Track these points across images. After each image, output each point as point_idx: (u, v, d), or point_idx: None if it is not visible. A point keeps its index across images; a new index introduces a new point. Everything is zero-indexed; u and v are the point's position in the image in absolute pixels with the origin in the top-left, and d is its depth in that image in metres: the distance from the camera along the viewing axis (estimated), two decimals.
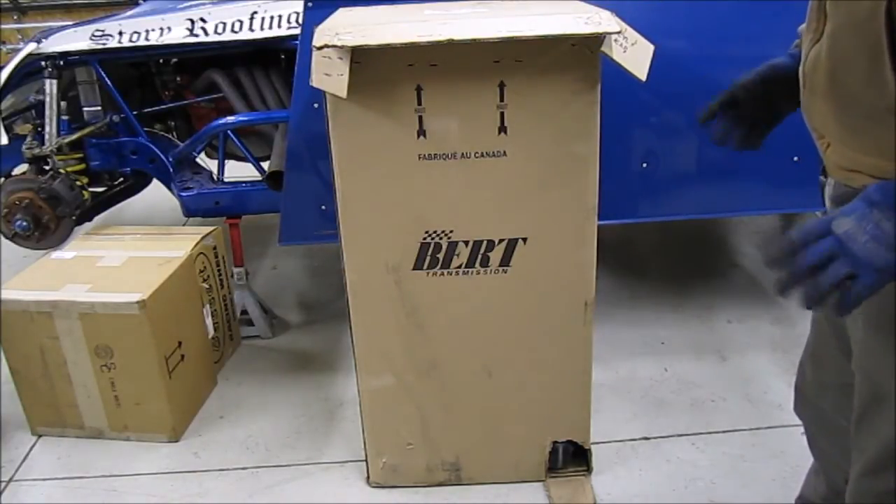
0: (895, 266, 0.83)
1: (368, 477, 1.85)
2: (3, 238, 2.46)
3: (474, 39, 1.33)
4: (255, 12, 2.31)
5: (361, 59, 1.40)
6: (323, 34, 1.35)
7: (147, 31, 2.34)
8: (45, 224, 2.38)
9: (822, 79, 0.99)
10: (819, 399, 1.27)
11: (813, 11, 1.01)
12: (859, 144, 0.97)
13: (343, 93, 1.35)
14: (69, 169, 2.43)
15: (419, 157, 1.50)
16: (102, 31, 2.36)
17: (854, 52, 0.92)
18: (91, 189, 2.53)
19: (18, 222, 2.36)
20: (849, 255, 0.83)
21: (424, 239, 1.57)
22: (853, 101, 0.95)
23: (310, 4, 1.95)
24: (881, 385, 1.03)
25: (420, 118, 1.47)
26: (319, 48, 1.33)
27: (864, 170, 0.97)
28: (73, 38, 2.38)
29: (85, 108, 2.48)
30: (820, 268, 0.84)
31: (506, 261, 1.59)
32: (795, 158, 2.07)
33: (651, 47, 1.43)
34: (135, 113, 2.51)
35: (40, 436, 2.10)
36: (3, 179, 2.47)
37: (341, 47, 1.33)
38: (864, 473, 1.10)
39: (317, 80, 1.36)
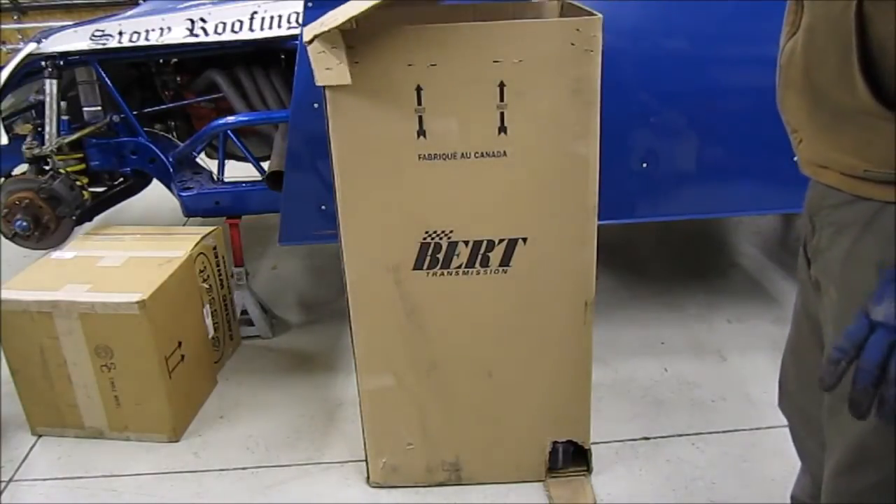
0: None
1: (368, 477, 1.85)
2: (3, 238, 2.46)
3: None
4: (255, 12, 2.31)
5: (360, 58, 1.40)
6: (311, 29, 1.35)
7: (147, 31, 2.34)
8: (45, 224, 2.38)
9: (797, 73, 0.98)
10: (801, 396, 1.26)
11: (791, 3, 1.00)
12: (830, 141, 0.96)
13: (347, 79, 1.36)
14: (69, 169, 2.43)
15: (419, 157, 1.50)
16: (102, 31, 2.37)
17: (827, 50, 0.90)
18: (91, 189, 2.53)
19: (18, 222, 2.36)
20: None
21: (424, 239, 1.57)
22: (824, 98, 0.94)
23: (310, 4, 1.95)
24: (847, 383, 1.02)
25: (420, 118, 1.47)
26: (310, 42, 1.33)
27: (834, 166, 0.96)
28: (73, 38, 2.38)
29: (85, 108, 2.48)
30: (884, 365, 0.80)
31: (506, 261, 1.59)
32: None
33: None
34: (135, 113, 2.51)
35: (40, 436, 2.10)
36: (3, 179, 2.47)
37: (329, 31, 1.32)
38: (837, 473, 1.09)
39: (320, 79, 1.37)
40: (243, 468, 1.95)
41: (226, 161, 2.47)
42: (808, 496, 1.35)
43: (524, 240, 1.58)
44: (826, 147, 0.97)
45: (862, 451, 1.03)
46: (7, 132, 2.55)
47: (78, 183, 2.42)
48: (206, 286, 2.25)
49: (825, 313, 1.06)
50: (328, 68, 1.37)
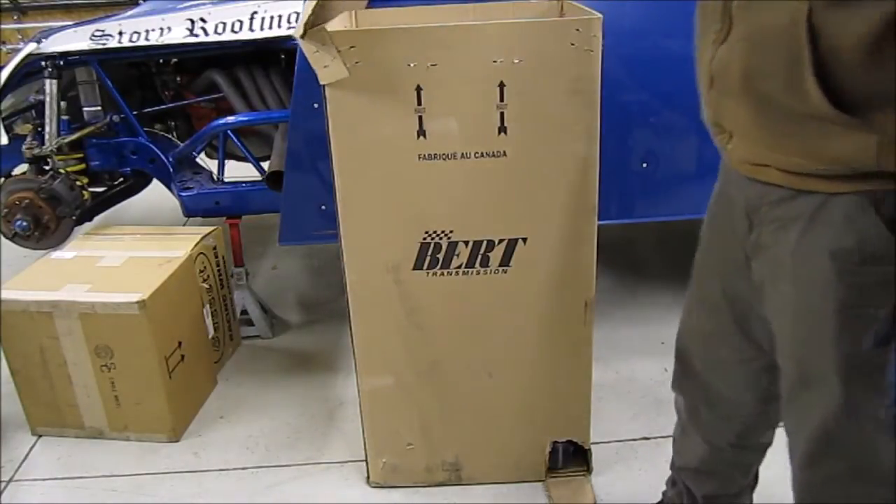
0: None
1: (368, 477, 1.85)
2: (3, 238, 2.46)
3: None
4: (255, 12, 2.31)
5: (360, 58, 1.40)
6: (300, 27, 1.35)
7: (147, 31, 2.34)
8: (45, 224, 2.38)
9: (734, 81, 0.99)
10: (710, 374, 1.32)
11: (715, 12, 1.01)
12: (775, 143, 0.98)
13: (344, 73, 1.38)
14: (69, 169, 2.43)
15: (419, 157, 1.50)
16: (102, 31, 2.36)
17: (773, 60, 0.92)
18: (91, 189, 2.53)
19: (18, 222, 2.36)
20: None
21: (424, 239, 1.57)
22: (771, 104, 0.95)
23: None
24: (809, 372, 1.06)
25: (420, 118, 1.47)
26: (302, 36, 1.34)
27: (776, 164, 0.99)
28: (73, 38, 2.38)
29: (85, 108, 2.48)
30: None
31: (506, 261, 1.59)
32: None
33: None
34: (135, 113, 2.51)
35: (40, 436, 2.10)
36: (3, 179, 2.47)
37: (315, 29, 1.33)
38: (804, 465, 1.13)
39: (322, 77, 1.38)
40: (243, 468, 1.95)
41: (226, 161, 2.47)
42: (698, 463, 1.44)
43: (524, 240, 1.58)
44: (769, 149, 0.99)
45: (827, 439, 1.07)
46: (7, 132, 2.55)
47: (78, 183, 2.42)
48: (206, 286, 2.25)
49: (775, 308, 1.10)
50: (326, 66, 1.38)
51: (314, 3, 1.31)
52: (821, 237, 0.97)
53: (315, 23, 1.34)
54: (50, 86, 2.35)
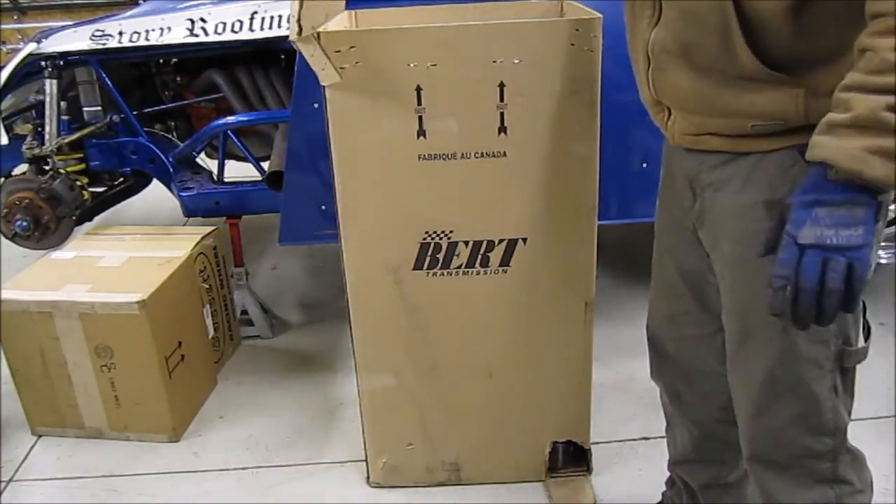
0: (871, 236, 0.88)
1: (368, 477, 1.85)
2: (3, 238, 2.46)
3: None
4: (255, 12, 2.31)
5: (360, 58, 1.40)
6: (294, 29, 1.36)
7: (147, 31, 2.34)
8: (45, 224, 2.38)
9: (671, 58, 1.07)
10: (682, 353, 1.37)
11: (644, 5, 1.08)
12: (713, 110, 1.05)
13: (336, 78, 1.40)
14: (69, 169, 2.43)
15: (419, 158, 1.50)
16: (102, 31, 2.37)
17: (705, 31, 1.01)
18: (91, 189, 2.53)
19: (18, 222, 2.36)
20: (836, 253, 0.88)
21: (424, 239, 1.57)
22: (708, 71, 1.04)
23: None
24: (749, 324, 1.12)
25: (420, 118, 1.47)
26: (298, 38, 1.34)
27: (715, 130, 1.07)
28: (73, 38, 2.38)
29: (85, 108, 2.48)
30: (821, 280, 0.88)
31: (506, 261, 1.59)
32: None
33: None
34: (135, 113, 2.51)
35: (40, 436, 2.10)
36: (3, 179, 2.47)
37: (308, 34, 1.34)
38: (755, 414, 1.16)
39: (323, 78, 1.39)
40: (243, 468, 1.95)
41: (226, 161, 2.47)
42: (689, 451, 1.47)
43: (524, 240, 1.58)
44: (707, 115, 1.07)
45: (774, 386, 1.11)
46: (7, 132, 2.55)
47: (78, 183, 2.42)
48: (206, 286, 2.25)
49: (719, 271, 1.16)
50: (323, 68, 1.39)
51: (298, 4, 1.32)
52: (755, 192, 1.05)
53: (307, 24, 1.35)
54: (50, 86, 2.35)
